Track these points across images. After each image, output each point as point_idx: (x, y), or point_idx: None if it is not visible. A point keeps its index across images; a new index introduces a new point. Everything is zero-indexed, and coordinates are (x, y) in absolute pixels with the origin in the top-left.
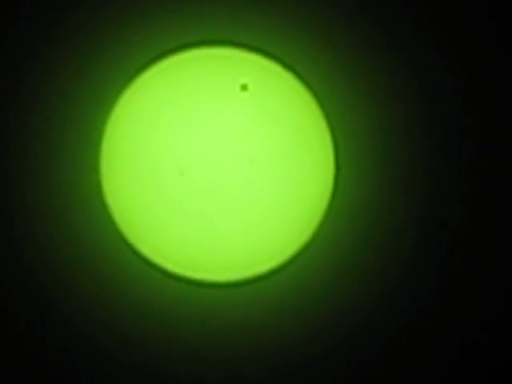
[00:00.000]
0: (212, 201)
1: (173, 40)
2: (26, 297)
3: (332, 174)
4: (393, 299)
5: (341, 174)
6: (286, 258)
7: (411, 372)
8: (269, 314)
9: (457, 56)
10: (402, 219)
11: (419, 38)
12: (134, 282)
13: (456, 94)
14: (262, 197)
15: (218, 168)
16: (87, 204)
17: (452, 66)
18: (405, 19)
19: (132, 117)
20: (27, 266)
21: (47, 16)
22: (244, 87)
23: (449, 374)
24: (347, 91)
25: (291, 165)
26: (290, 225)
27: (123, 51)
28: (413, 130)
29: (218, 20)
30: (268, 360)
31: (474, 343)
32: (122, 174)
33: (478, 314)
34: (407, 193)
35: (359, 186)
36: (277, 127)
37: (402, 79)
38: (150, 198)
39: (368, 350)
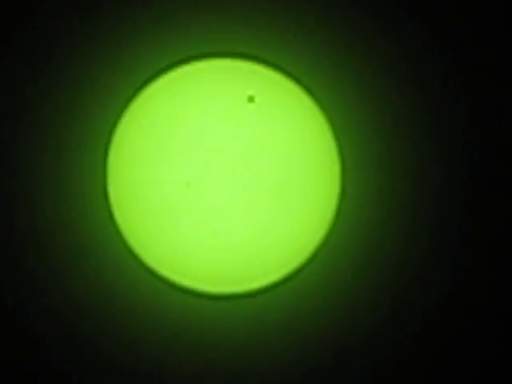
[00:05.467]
0: (217, 212)
1: (179, 52)
2: (34, 307)
3: (338, 185)
4: (399, 312)
5: (347, 184)
6: (291, 269)
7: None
8: (273, 326)
9: (464, 63)
10: (409, 230)
11: (428, 51)
12: (138, 292)
13: (464, 106)
14: (268, 208)
15: (223, 179)
16: (93, 215)
17: (460, 75)
18: (417, 37)
19: (139, 128)
20: (35, 278)
21: (55, 30)
22: (250, 99)
23: None
24: (354, 103)
25: (298, 176)
26: (295, 236)
27: (130, 63)
28: (421, 145)
29: (224, 32)
30: (273, 371)
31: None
32: (128, 184)
33: (487, 330)
34: (414, 204)
35: (366, 196)
36: (283, 138)
37: (410, 94)
38: (156, 208)
39: (374, 360)
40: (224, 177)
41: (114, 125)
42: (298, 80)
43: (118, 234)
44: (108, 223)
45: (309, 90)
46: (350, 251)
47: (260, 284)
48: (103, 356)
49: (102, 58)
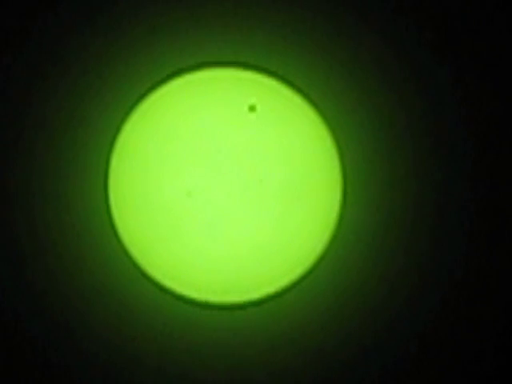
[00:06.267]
0: (220, 221)
1: (179, 62)
2: (35, 318)
3: (340, 195)
4: (403, 316)
5: (348, 195)
6: (293, 278)
7: None
8: (278, 334)
9: (466, 68)
10: (411, 234)
11: (427, 52)
12: (140, 302)
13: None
14: (269, 218)
15: (225, 189)
16: (93, 223)
17: (461, 80)
18: (418, 39)
19: (139, 137)
20: (36, 288)
21: (55, 35)
22: (252, 108)
23: None
24: (355, 112)
25: (299, 184)
26: (298, 244)
27: (131, 73)
28: (424, 152)
29: (226, 41)
30: (278, 380)
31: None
32: (129, 194)
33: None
34: (416, 208)
35: (367, 207)
36: (285, 148)
37: (413, 101)
38: (157, 217)
39: (378, 366)
40: (225, 186)
41: (115, 134)
42: (299, 89)
43: (119, 244)
44: (109, 233)
45: (310, 100)
46: (353, 257)
47: (264, 293)
48: (104, 366)
49: (103, 67)
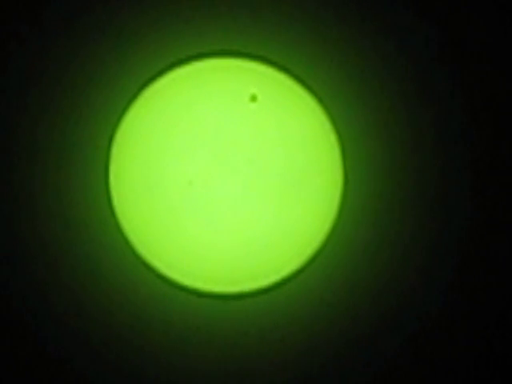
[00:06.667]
0: (220, 211)
1: (181, 51)
2: (39, 312)
3: (340, 185)
4: (403, 309)
5: (349, 184)
6: (294, 268)
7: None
8: (276, 325)
9: (472, 72)
10: (411, 227)
11: (431, 50)
12: (141, 291)
13: (466, 107)
14: (271, 206)
15: (226, 178)
16: (95, 215)
17: (467, 86)
18: (419, 35)
19: (141, 127)
20: (40, 283)
21: (58, 24)
22: (253, 98)
23: None
24: (356, 103)
25: (299, 175)
26: (298, 236)
27: (133, 62)
28: (422, 143)
29: (228, 31)
30: (276, 371)
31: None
32: (130, 183)
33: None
34: (416, 203)
35: (367, 195)
36: (285, 138)
37: (413, 93)
38: (158, 207)
39: (374, 360)
40: (226, 175)
41: (116, 124)
42: (300, 79)
43: (121, 234)
44: (110, 223)
45: (311, 89)
46: (353, 247)
47: (265, 282)
48: (110, 359)
49: (106, 55)
